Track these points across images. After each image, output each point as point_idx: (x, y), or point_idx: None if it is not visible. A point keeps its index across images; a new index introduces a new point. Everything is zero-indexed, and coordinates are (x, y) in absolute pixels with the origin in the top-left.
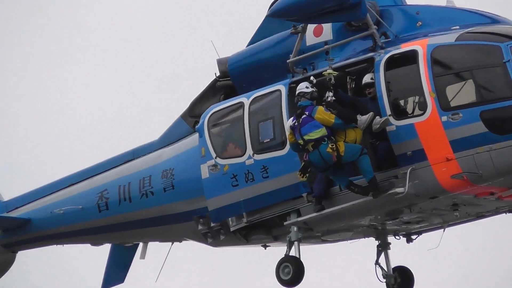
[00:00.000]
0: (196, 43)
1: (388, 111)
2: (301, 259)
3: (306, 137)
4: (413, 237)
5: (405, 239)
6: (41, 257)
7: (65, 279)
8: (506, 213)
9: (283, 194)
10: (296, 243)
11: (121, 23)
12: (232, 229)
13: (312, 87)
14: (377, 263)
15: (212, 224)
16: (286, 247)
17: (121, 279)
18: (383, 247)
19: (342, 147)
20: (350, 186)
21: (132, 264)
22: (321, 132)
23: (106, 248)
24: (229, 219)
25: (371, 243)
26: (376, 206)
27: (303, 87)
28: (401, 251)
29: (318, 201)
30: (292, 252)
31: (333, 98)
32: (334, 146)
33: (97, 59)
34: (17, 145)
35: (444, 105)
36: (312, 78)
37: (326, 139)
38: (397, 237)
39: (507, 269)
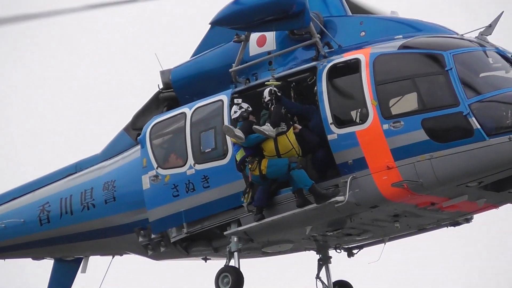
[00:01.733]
0: (139, 55)
1: (330, 119)
2: (241, 270)
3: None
4: (354, 251)
5: (346, 253)
6: None
7: None
8: (447, 227)
9: (224, 204)
10: (236, 253)
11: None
12: (172, 240)
13: (239, 108)
14: (317, 277)
15: (152, 236)
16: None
17: None
18: (324, 261)
19: (264, 164)
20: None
21: None
22: (239, 153)
23: (48, 263)
24: (170, 230)
25: (312, 256)
26: (316, 215)
27: (232, 113)
28: (342, 265)
29: (258, 210)
30: (232, 263)
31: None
32: (253, 165)
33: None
34: None
35: (385, 113)
36: (235, 100)
37: (246, 159)
38: (338, 250)
39: (445, 282)
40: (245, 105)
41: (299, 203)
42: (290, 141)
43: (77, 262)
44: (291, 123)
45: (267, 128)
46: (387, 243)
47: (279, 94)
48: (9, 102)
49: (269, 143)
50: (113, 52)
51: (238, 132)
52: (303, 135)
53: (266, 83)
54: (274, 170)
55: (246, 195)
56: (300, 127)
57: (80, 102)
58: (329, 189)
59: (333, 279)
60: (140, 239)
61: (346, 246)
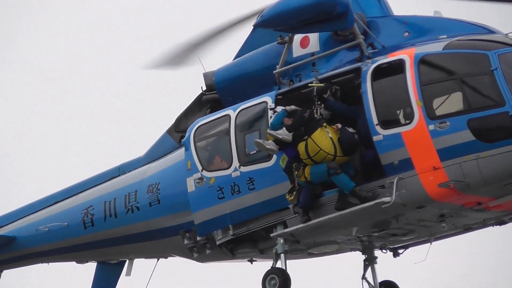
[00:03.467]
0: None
1: (375, 121)
2: (288, 272)
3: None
4: (400, 251)
5: (391, 253)
6: (27, 277)
7: None
8: (493, 226)
9: (270, 206)
10: (282, 255)
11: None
12: (218, 242)
13: (273, 113)
14: (363, 277)
15: (198, 238)
16: (272, 261)
17: None
18: (369, 261)
19: (307, 171)
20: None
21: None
22: (282, 160)
23: (91, 266)
24: (215, 232)
25: (358, 257)
26: (363, 216)
27: (269, 118)
28: (388, 265)
29: (304, 212)
30: (279, 265)
31: (321, 110)
32: (299, 172)
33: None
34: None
35: (431, 114)
36: (269, 105)
37: (294, 166)
38: (383, 251)
39: (493, 282)
40: (279, 109)
41: (338, 206)
42: (316, 144)
43: (121, 265)
44: (323, 124)
45: (281, 132)
46: (433, 243)
47: (324, 95)
48: (52, 105)
49: (301, 147)
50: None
51: (269, 144)
52: (342, 134)
53: (309, 84)
54: (316, 177)
55: (292, 194)
56: (340, 125)
57: (124, 105)
58: (369, 192)
59: (379, 280)
60: (186, 241)
61: (392, 246)
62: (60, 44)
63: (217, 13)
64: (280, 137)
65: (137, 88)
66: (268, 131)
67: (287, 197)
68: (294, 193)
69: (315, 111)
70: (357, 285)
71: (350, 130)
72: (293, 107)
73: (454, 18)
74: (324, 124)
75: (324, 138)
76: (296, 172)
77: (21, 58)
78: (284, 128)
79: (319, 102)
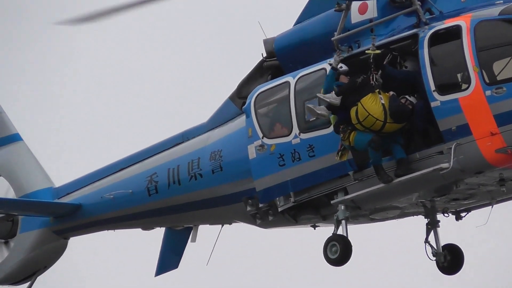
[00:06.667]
0: (243, 24)
1: (432, 87)
2: (349, 238)
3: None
4: (462, 214)
5: (454, 216)
6: (94, 243)
7: (119, 265)
8: None
9: (330, 173)
10: (343, 221)
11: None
12: (280, 209)
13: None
14: (426, 241)
15: (260, 205)
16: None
17: (175, 265)
18: (432, 225)
19: (352, 137)
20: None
21: None
22: (333, 116)
23: (157, 232)
24: (277, 199)
25: (421, 221)
26: (422, 183)
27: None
28: (450, 229)
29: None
30: (340, 231)
31: (377, 76)
32: (345, 135)
33: (145, 44)
34: (66, 132)
35: (487, 80)
36: (328, 61)
37: (340, 126)
38: (445, 214)
39: None
40: (339, 66)
41: (397, 173)
42: (365, 109)
43: (188, 230)
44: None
45: (329, 96)
46: (494, 206)
47: (382, 62)
48: (118, 72)
49: (352, 112)
50: (219, 21)
51: (320, 109)
52: (390, 102)
53: (366, 51)
54: (359, 144)
55: (337, 154)
56: (392, 93)
57: (187, 71)
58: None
59: (442, 243)
60: (248, 208)
61: (454, 210)
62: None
63: None
64: (328, 100)
65: (201, 54)
66: (317, 94)
67: (336, 157)
68: (340, 153)
69: (370, 77)
70: (420, 249)
71: (411, 98)
72: (344, 67)
73: None
74: (378, 90)
75: (374, 104)
76: (342, 134)
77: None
78: (333, 92)
79: (375, 69)
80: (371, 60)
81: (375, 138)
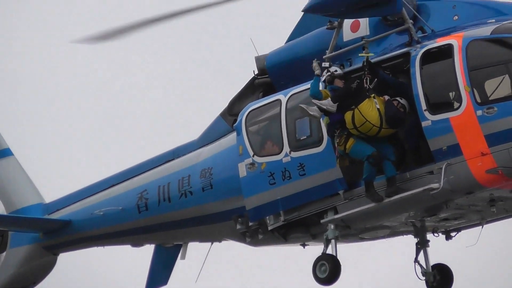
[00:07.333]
0: (234, 41)
1: (424, 106)
2: (338, 258)
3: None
4: (452, 234)
5: (444, 236)
6: (83, 260)
7: (107, 282)
8: None
9: (320, 192)
10: (333, 241)
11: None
12: (270, 228)
13: (326, 72)
14: (416, 260)
15: (250, 223)
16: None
17: (164, 281)
18: (421, 245)
19: (349, 144)
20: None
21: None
22: (324, 121)
23: (147, 249)
24: (267, 218)
25: (410, 240)
26: (412, 203)
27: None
28: (440, 249)
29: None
30: (329, 250)
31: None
32: (341, 140)
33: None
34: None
35: (479, 99)
36: (323, 64)
37: (336, 130)
38: (435, 234)
39: None
40: (332, 69)
41: (388, 193)
42: (362, 115)
43: (177, 248)
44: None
45: (325, 103)
46: (484, 226)
47: (373, 65)
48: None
49: (347, 116)
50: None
51: (313, 110)
52: (386, 107)
53: (359, 54)
54: (355, 155)
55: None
56: (387, 97)
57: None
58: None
59: (432, 263)
60: (238, 226)
61: (444, 230)
62: None
63: None
64: (324, 107)
65: (192, 71)
66: (313, 100)
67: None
68: (338, 160)
69: (364, 80)
70: (410, 268)
71: (403, 101)
72: (339, 71)
73: (503, 1)
74: (373, 95)
75: (371, 110)
76: (337, 139)
77: None
78: (329, 99)
79: (368, 72)
80: (364, 63)
81: (375, 154)
